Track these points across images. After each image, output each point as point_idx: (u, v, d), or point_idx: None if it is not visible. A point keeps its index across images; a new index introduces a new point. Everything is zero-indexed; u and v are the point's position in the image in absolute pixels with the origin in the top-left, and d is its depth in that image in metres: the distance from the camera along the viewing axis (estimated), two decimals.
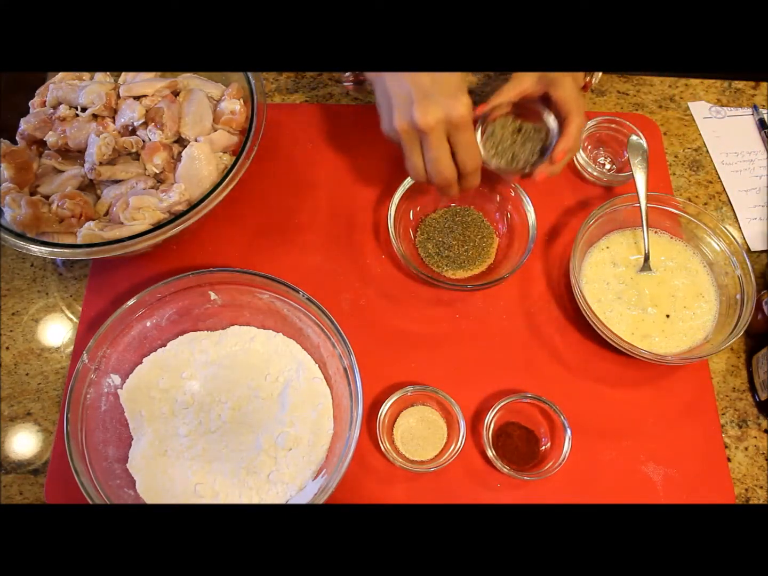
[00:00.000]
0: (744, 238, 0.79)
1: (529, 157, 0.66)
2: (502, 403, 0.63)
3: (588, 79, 0.78)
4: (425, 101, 0.57)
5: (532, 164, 0.66)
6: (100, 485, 0.56)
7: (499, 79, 0.88)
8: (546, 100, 0.66)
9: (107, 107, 0.70)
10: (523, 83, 0.64)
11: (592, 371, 0.69)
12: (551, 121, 0.65)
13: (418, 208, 0.75)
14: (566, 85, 0.63)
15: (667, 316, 0.70)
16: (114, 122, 0.70)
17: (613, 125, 0.79)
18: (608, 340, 0.66)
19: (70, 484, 0.55)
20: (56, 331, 0.70)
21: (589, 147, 0.80)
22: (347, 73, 0.69)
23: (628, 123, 0.79)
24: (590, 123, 0.78)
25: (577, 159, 0.79)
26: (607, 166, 0.81)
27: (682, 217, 0.74)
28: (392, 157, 0.77)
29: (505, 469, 0.61)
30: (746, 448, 0.67)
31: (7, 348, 0.69)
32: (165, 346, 0.66)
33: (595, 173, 0.77)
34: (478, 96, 0.87)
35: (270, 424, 0.62)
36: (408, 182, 0.70)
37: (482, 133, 0.66)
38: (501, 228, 0.75)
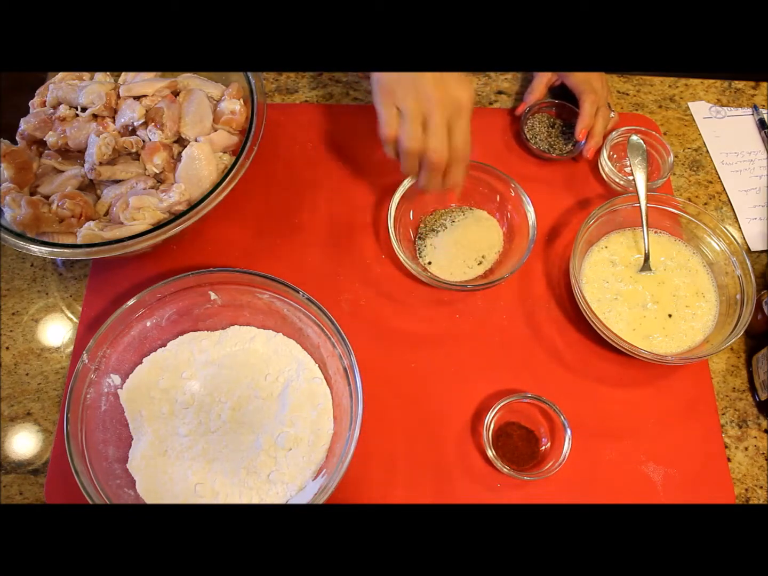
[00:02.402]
0: (744, 238, 0.79)
1: (563, 146, 0.80)
2: (502, 403, 0.63)
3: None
4: (436, 79, 0.58)
5: (568, 152, 0.79)
6: (100, 485, 0.56)
7: (499, 79, 0.88)
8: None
9: (107, 107, 0.70)
10: (545, 75, 0.81)
11: (592, 371, 0.69)
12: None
13: (418, 208, 0.75)
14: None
15: (670, 315, 0.70)
16: (114, 122, 0.70)
17: (640, 135, 0.78)
18: (608, 340, 0.66)
19: (70, 484, 0.55)
20: (56, 331, 0.70)
21: (615, 156, 0.80)
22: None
23: (654, 133, 0.79)
24: (615, 133, 0.78)
25: (603, 168, 0.79)
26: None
27: (682, 217, 0.74)
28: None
29: (505, 469, 0.61)
30: (746, 448, 0.67)
31: (7, 348, 0.69)
32: (165, 346, 0.66)
33: (621, 182, 0.77)
34: (478, 96, 0.87)
35: (270, 424, 0.62)
36: (408, 182, 0.70)
37: (524, 128, 0.80)
38: (501, 228, 0.75)
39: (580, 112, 0.77)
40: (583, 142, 0.78)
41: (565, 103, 0.81)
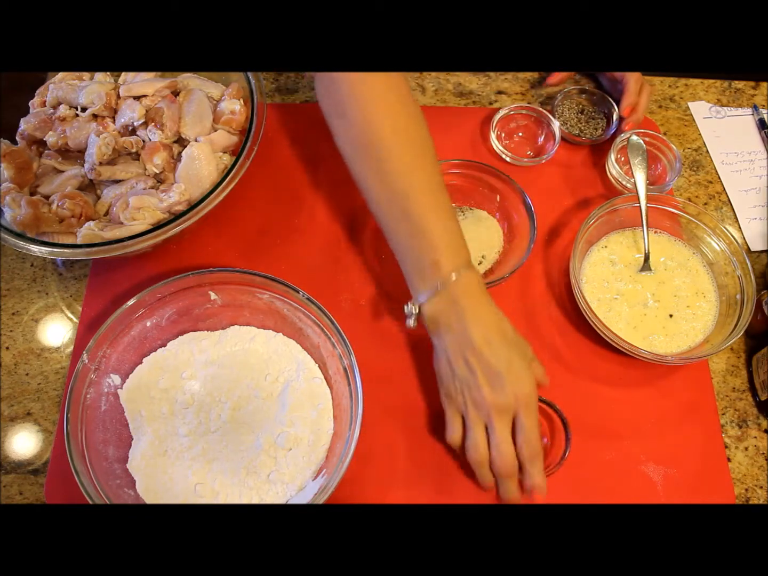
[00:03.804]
0: (744, 238, 0.79)
1: (593, 131, 0.82)
2: None
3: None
4: (490, 382, 0.56)
5: (598, 136, 0.81)
6: (100, 485, 0.56)
7: (499, 79, 0.89)
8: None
9: (107, 107, 0.70)
10: None
11: (592, 371, 0.69)
12: (614, 104, 0.81)
13: None
14: None
15: (671, 315, 0.70)
16: (114, 122, 0.70)
17: (646, 138, 0.79)
18: (608, 340, 0.66)
19: (70, 484, 0.55)
20: (56, 331, 0.70)
21: (622, 159, 0.80)
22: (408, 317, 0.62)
23: (661, 136, 0.79)
24: (622, 136, 0.78)
25: (610, 171, 0.79)
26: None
27: (682, 217, 0.74)
28: None
29: None
30: (746, 448, 0.67)
31: (7, 348, 0.69)
32: (165, 346, 0.66)
33: (629, 185, 0.77)
34: (478, 96, 0.87)
35: (270, 424, 0.62)
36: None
37: (554, 114, 0.82)
38: (501, 228, 0.75)
39: (624, 90, 0.78)
40: (612, 127, 0.80)
41: (594, 89, 0.84)
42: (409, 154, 0.59)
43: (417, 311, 0.59)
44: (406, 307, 0.60)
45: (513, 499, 0.58)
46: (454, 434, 0.59)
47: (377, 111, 0.59)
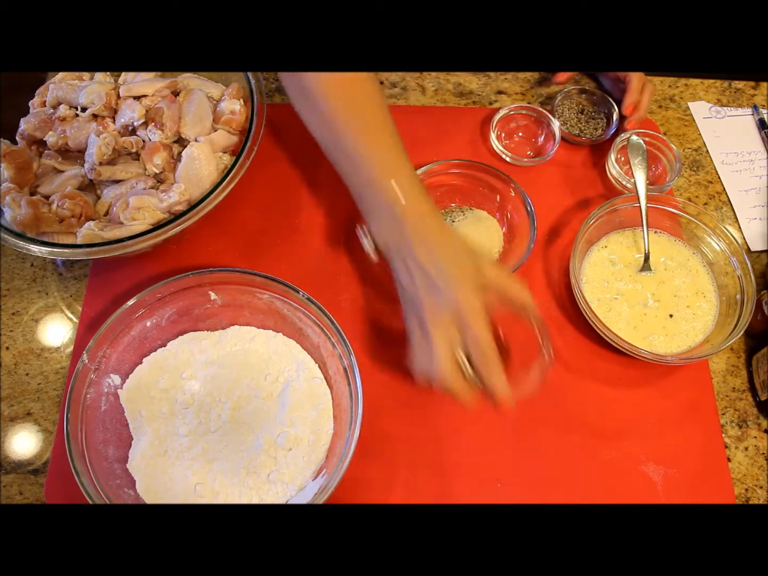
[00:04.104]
0: (744, 238, 0.79)
1: (593, 131, 0.82)
2: None
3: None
4: (432, 290, 0.55)
5: (598, 136, 0.81)
6: (100, 485, 0.56)
7: (499, 79, 0.89)
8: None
9: (107, 107, 0.70)
10: None
11: (592, 371, 0.69)
12: (614, 104, 0.81)
13: None
14: None
15: (671, 315, 0.70)
16: (114, 122, 0.70)
17: (647, 138, 0.79)
18: (608, 340, 0.66)
19: (70, 484, 0.55)
20: (56, 331, 0.70)
21: (622, 159, 0.80)
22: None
23: (661, 136, 0.79)
24: (622, 136, 0.78)
25: (610, 171, 0.79)
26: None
27: (682, 217, 0.74)
28: None
29: None
30: (746, 448, 0.67)
31: (7, 348, 0.69)
32: (165, 346, 0.66)
33: (629, 185, 0.77)
34: (478, 96, 0.87)
35: (270, 424, 0.62)
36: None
37: (554, 115, 0.82)
38: (501, 228, 0.75)
39: (627, 88, 0.78)
40: (612, 127, 0.81)
41: (594, 89, 0.84)
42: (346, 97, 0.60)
43: (369, 236, 0.60)
44: (360, 236, 0.61)
45: (467, 403, 0.55)
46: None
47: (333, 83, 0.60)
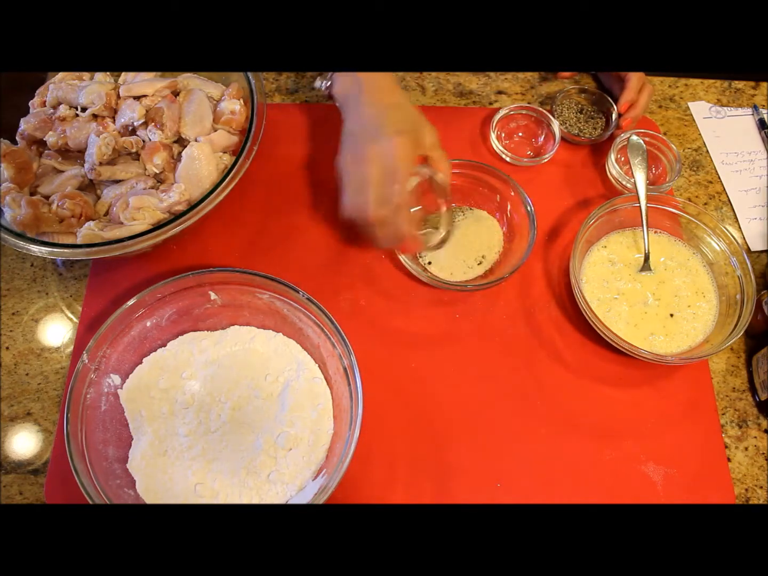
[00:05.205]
0: (744, 238, 0.79)
1: (592, 131, 0.82)
2: None
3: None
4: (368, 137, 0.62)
5: (597, 136, 0.81)
6: (100, 485, 0.56)
7: (499, 79, 0.89)
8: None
9: (107, 107, 0.70)
10: None
11: (592, 371, 0.69)
12: (613, 103, 0.82)
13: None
14: None
15: (671, 315, 0.70)
16: (114, 122, 0.70)
17: (647, 138, 0.79)
18: (608, 340, 0.66)
19: (70, 484, 0.55)
20: (56, 331, 0.70)
21: (622, 159, 0.80)
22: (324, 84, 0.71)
23: (661, 136, 0.79)
24: (622, 136, 0.78)
25: (610, 171, 0.79)
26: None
27: (682, 217, 0.74)
28: None
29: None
30: (746, 448, 0.67)
31: (7, 348, 0.69)
32: (165, 346, 0.66)
33: (629, 185, 0.77)
34: (478, 96, 0.87)
35: (270, 424, 0.62)
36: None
37: (554, 114, 0.83)
38: (501, 228, 0.75)
39: (625, 86, 0.79)
40: (612, 127, 0.80)
41: (594, 89, 0.85)
42: None
43: (329, 82, 0.68)
44: (317, 82, 0.70)
45: (384, 244, 0.65)
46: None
47: None
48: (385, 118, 0.62)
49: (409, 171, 0.61)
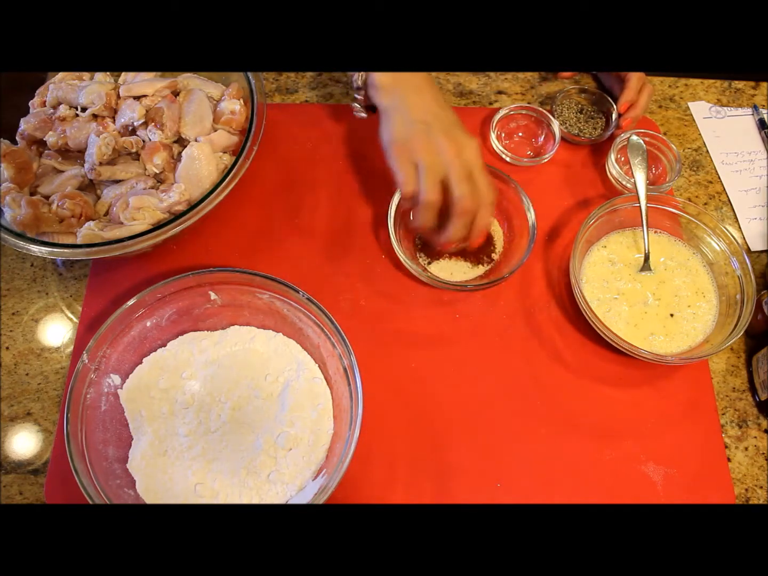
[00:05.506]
0: (744, 238, 0.79)
1: (592, 131, 0.82)
2: None
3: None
4: (446, 133, 0.61)
5: (597, 136, 0.81)
6: (100, 485, 0.56)
7: (499, 79, 0.89)
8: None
9: (107, 107, 0.70)
10: None
11: (592, 371, 0.69)
12: (613, 103, 0.81)
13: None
14: None
15: (671, 315, 0.70)
16: (114, 122, 0.70)
17: (647, 138, 0.79)
18: (608, 340, 0.66)
19: (70, 484, 0.55)
20: (56, 331, 0.70)
21: (622, 159, 0.80)
22: (356, 105, 0.71)
23: (661, 136, 0.79)
24: (622, 136, 0.78)
25: (610, 171, 0.79)
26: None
27: (682, 217, 0.74)
28: None
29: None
30: (746, 448, 0.67)
31: (7, 348, 0.69)
32: (165, 346, 0.66)
33: (629, 185, 0.77)
34: (478, 96, 0.87)
35: (270, 424, 0.62)
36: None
37: (553, 114, 0.82)
38: (501, 228, 0.75)
39: (625, 86, 0.79)
40: (612, 127, 0.80)
41: (594, 89, 0.84)
42: None
43: (364, 79, 0.66)
44: (353, 107, 0.70)
45: (458, 237, 0.64)
46: (408, 183, 0.62)
47: None
48: (435, 114, 0.63)
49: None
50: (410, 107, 0.63)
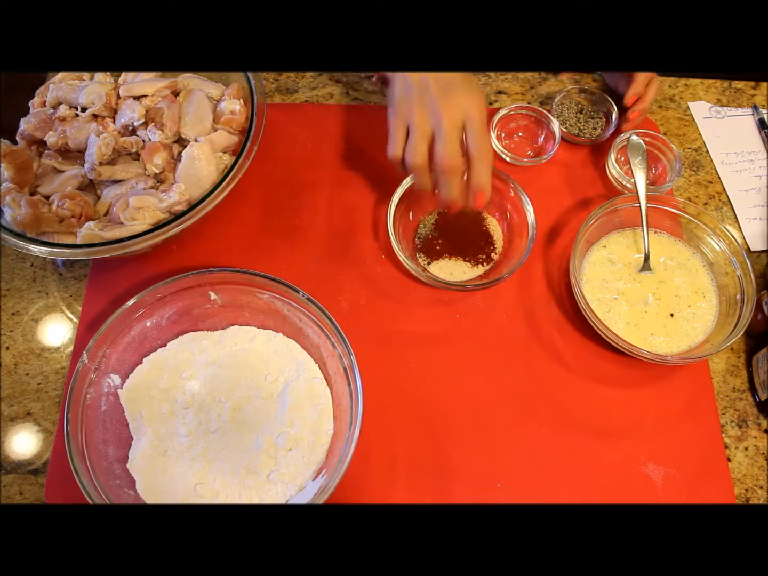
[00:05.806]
0: (744, 238, 0.79)
1: (592, 131, 0.82)
2: None
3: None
4: (441, 89, 0.60)
5: (597, 136, 0.81)
6: (100, 485, 0.56)
7: (499, 79, 0.89)
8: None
9: (107, 107, 0.70)
10: None
11: (592, 371, 0.69)
12: (613, 103, 0.82)
13: (418, 208, 0.75)
14: None
15: (671, 315, 0.70)
16: (114, 122, 0.70)
17: (647, 138, 0.79)
18: (608, 339, 0.66)
19: (70, 484, 0.55)
20: (56, 331, 0.70)
21: (622, 159, 0.80)
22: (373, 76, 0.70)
23: (661, 136, 0.79)
24: (622, 136, 0.78)
25: (610, 171, 0.79)
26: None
27: (682, 217, 0.74)
28: None
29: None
30: (746, 448, 0.67)
31: (7, 348, 0.69)
32: (165, 346, 0.66)
33: (629, 185, 0.77)
34: None
35: (270, 424, 0.62)
36: (407, 182, 0.70)
37: (554, 114, 0.82)
38: (501, 228, 0.75)
39: (633, 79, 0.78)
40: (612, 127, 0.81)
41: (594, 89, 0.84)
42: None
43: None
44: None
45: (454, 198, 0.62)
46: (396, 146, 0.61)
47: None
48: (440, 81, 0.61)
49: (457, 140, 0.60)
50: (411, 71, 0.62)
